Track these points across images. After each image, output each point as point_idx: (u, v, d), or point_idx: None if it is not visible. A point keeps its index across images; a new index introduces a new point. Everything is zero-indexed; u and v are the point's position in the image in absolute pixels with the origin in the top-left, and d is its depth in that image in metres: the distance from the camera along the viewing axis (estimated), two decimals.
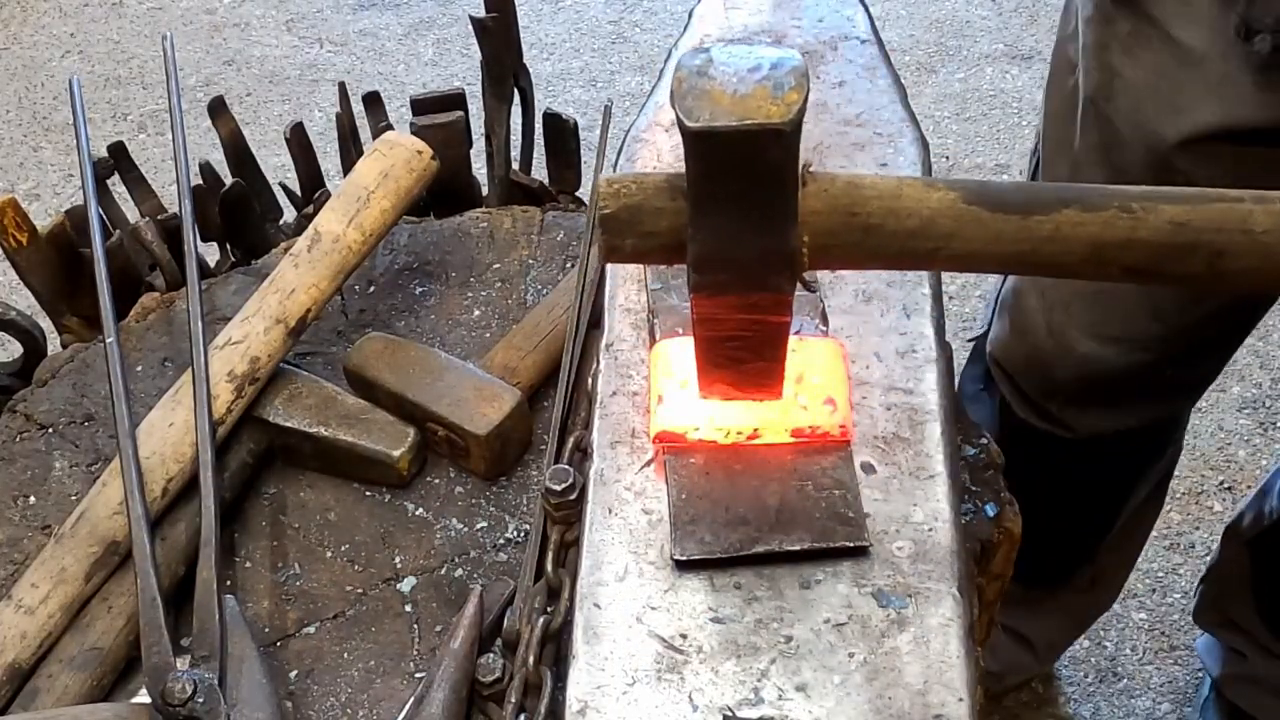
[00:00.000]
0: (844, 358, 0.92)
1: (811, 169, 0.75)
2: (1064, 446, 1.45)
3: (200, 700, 0.88)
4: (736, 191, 0.73)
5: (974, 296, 2.44)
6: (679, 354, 0.92)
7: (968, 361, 1.59)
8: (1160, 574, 2.12)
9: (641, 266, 1.02)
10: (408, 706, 0.94)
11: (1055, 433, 1.45)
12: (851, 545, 0.84)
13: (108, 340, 1.07)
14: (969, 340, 1.60)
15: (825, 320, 0.95)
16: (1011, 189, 0.76)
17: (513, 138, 1.43)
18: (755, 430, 0.89)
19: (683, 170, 0.75)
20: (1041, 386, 1.45)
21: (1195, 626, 2.00)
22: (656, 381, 0.92)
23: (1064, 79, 1.30)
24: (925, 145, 1.12)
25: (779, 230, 0.74)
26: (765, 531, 0.84)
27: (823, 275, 1.00)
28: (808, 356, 0.91)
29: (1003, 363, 1.48)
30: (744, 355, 0.83)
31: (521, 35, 1.38)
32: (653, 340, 0.96)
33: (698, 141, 0.71)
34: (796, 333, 0.94)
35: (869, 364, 0.94)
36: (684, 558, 0.84)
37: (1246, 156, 1.11)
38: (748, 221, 0.74)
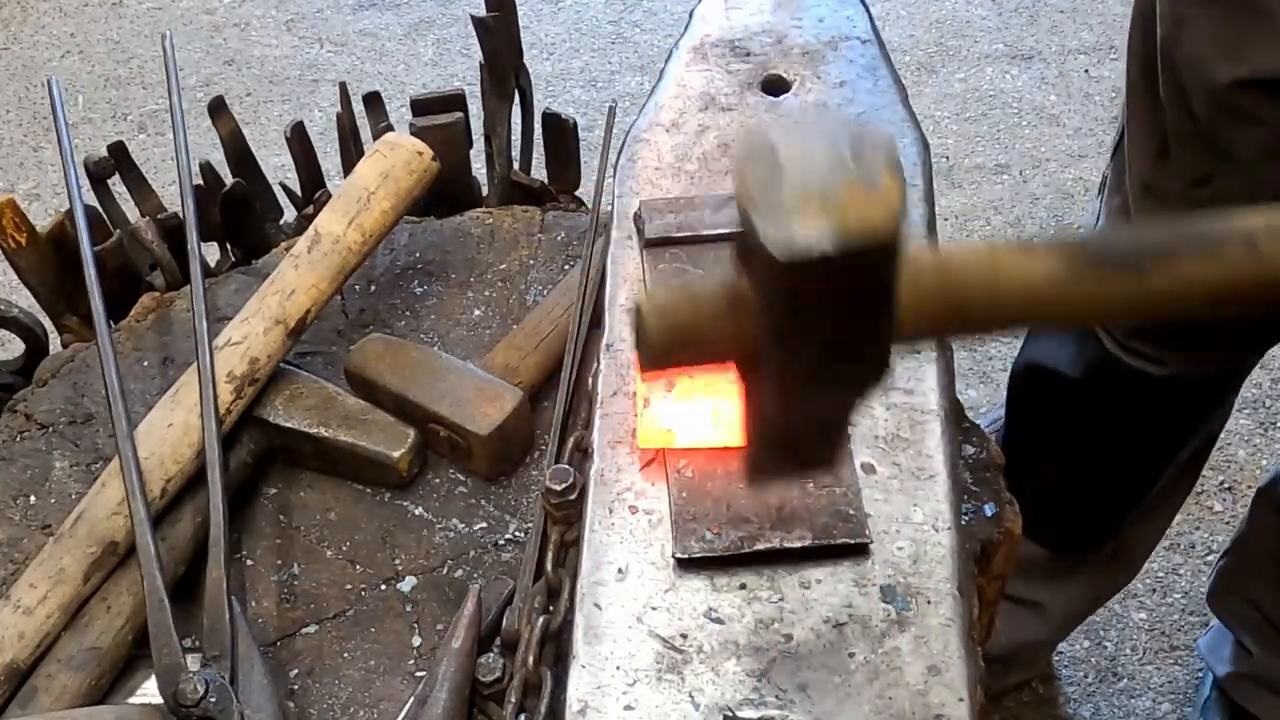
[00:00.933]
0: None
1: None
2: (1147, 383, 1.47)
3: (213, 700, 0.89)
4: (826, 311, 0.61)
5: None
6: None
7: None
8: (1160, 574, 2.12)
9: (641, 265, 1.02)
10: (409, 706, 0.94)
11: (1143, 369, 1.46)
12: (852, 542, 0.84)
13: (101, 342, 1.07)
14: None
15: None
16: (1120, 241, 0.67)
17: (513, 138, 1.43)
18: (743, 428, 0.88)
19: (736, 279, 0.64)
20: (1133, 329, 1.46)
21: (1195, 626, 2.00)
22: (642, 386, 0.92)
23: (1145, 26, 1.31)
24: (926, 145, 1.12)
25: (873, 339, 0.64)
26: (766, 529, 0.84)
27: None
28: None
29: None
30: (805, 441, 0.74)
31: (521, 35, 1.38)
32: None
33: (790, 272, 0.59)
34: None
35: None
36: (685, 556, 0.84)
37: None
38: (837, 337, 0.63)
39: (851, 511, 0.85)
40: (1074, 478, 1.33)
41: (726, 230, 1.03)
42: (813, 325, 0.62)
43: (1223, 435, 2.25)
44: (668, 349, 0.65)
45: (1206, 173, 1.26)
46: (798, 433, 0.71)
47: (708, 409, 0.90)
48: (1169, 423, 1.58)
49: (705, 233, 1.03)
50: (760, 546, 0.84)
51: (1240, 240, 0.66)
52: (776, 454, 0.74)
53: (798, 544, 0.83)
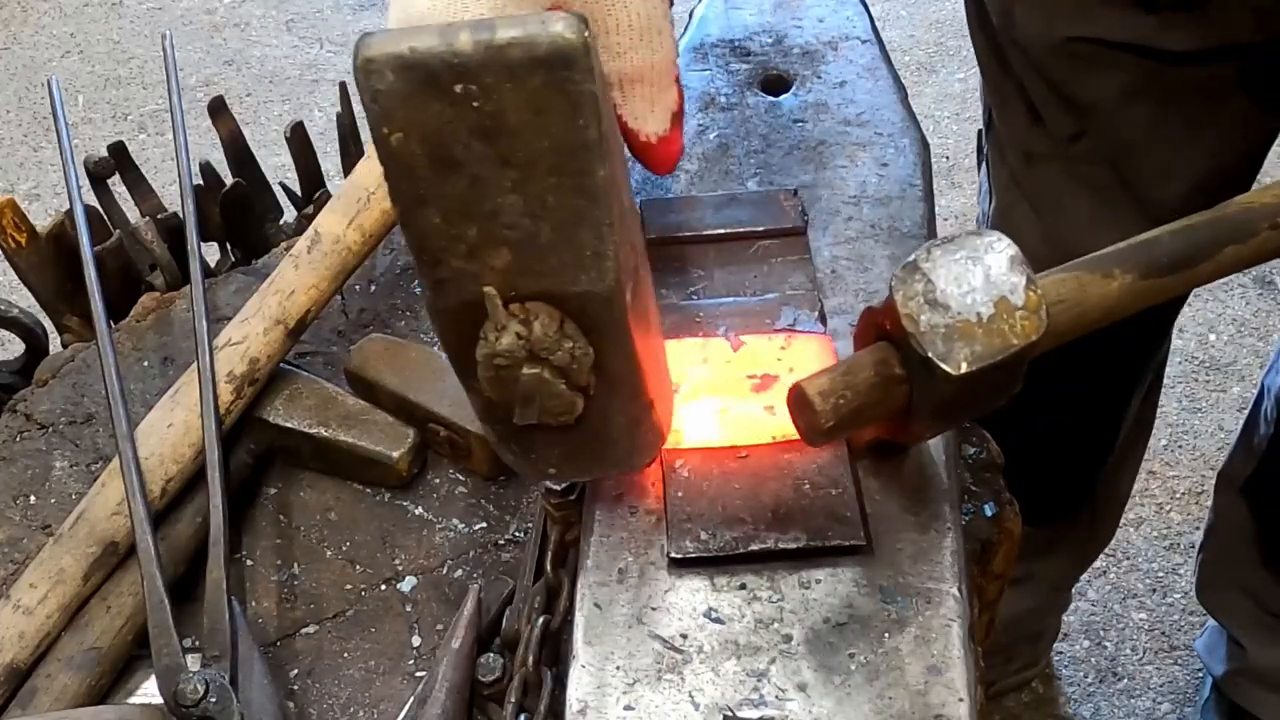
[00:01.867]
0: (834, 354, 0.92)
1: None
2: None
3: (213, 700, 0.89)
4: (976, 394, 0.74)
5: None
6: (670, 358, 0.92)
7: None
8: (1160, 574, 2.12)
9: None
10: (409, 706, 0.94)
11: None
12: (848, 544, 0.84)
13: (101, 342, 1.07)
14: None
15: (824, 319, 0.96)
16: (1175, 244, 0.79)
17: None
18: (754, 423, 0.89)
19: (883, 353, 0.76)
20: None
21: (1195, 626, 2.00)
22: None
23: (980, 14, 1.39)
24: (926, 145, 1.12)
25: (1004, 398, 0.77)
26: (762, 530, 0.84)
27: (822, 275, 1.00)
28: (799, 353, 0.92)
29: None
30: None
31: None
32: None
33: (962, 383, 0.71)
34: (791, 328, 0.94)
35: None
36: (680, 556, 0.84)
37: (1125, 63, 1.25)
38: (979, 405, 0.77)
39: (848, 513, 0.85)
40: (1038, 451, 1.36)
41: (727, 230, 1.03)
42: (964, 408, 0.76)
43: (1222, 435, 2.26)
44: (834, 427, 0.76)
45: (1079, 129, 1.33)
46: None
47: (715, 409, 0.90)
48: (1113, 373, 1.59)
49: (705, 232, 1.03)
50: (755, 547, 0.83)
51: (1266, 221, 0.78)
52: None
53: (793, 545, 0.83)
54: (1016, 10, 1.29)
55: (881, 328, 0.78)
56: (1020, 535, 1.20)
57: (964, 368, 0.69)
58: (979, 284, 0.71)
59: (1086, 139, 1.34)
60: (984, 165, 1.52)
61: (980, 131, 1.52)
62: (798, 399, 0.78)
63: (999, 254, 0.72)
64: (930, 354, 0.70)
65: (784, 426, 0.89)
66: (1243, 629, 1.79)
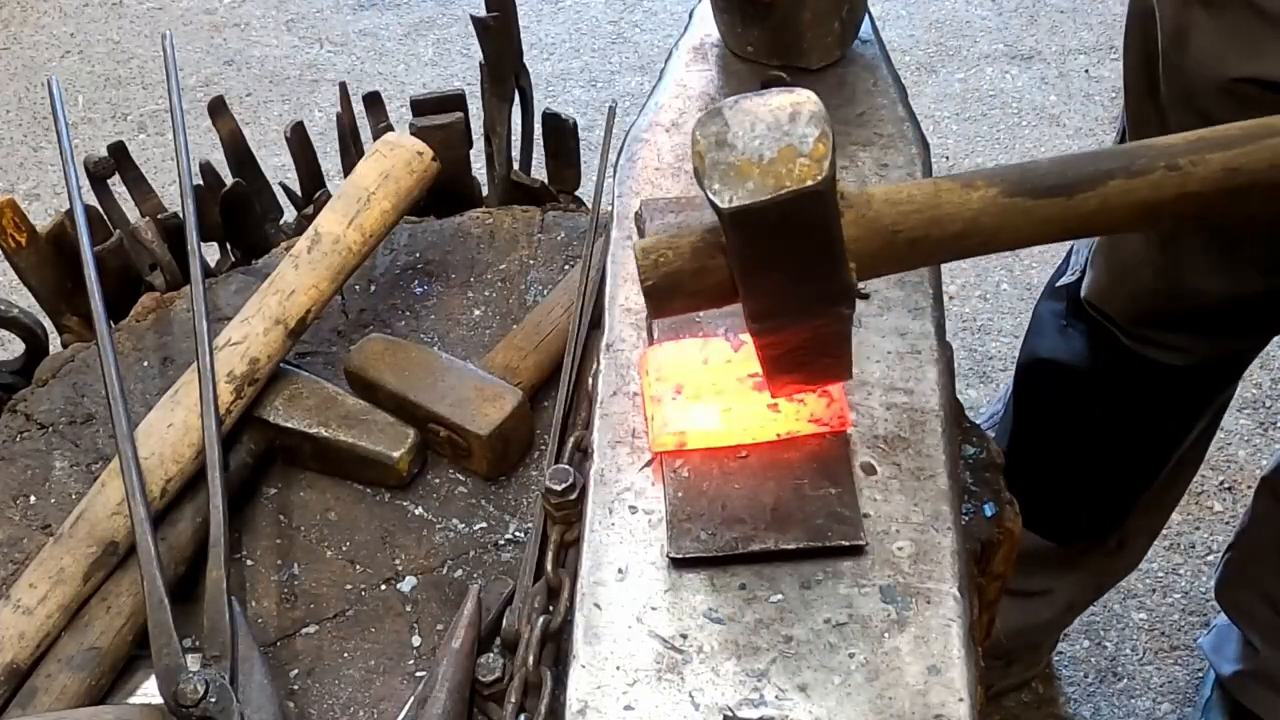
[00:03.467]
0: None
1: (844, 193, 0.74)
2: (1162, 373, 1.47)
3: (213, 700, 0.89)
4: (782, 251, 0.72)
5: (974, 296, 2.44)
6: (670, 360, 0.92)
7: (1044, 298, 1.61)
8: (1160, 574, 2.12)
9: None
10: (409, 706, 0.94)
11: (1159, 358, 1.47)
12: (847, 544, 0.84)
13: (102, 343, 1.07)
14: (1054, 287, 1.60)
15: None
16: (1049, 170, 0.75)
17: (513, 138, 1.43)
18: (755, 424, 0.89)
19: (716, 224, 0.74)
20: (1149, 322, 1.46)
21: (1195, 626, 2.00)
22: (651, 389, 0.92)
23: (1144, 29, 1.31)
24: (926, 145, 1.12)
25: (830, 272, 0.74)
26: (761, 530, 0.84)
27: None
28: None
29: (1102, 306, 1.50)
30: (810, 359, 0.84)
31: (522, 35, 1.38)
32: (651, 340, 0.96)
33: (735, 219, 0.70)
34: None
35: (869, 364, 0.94)
36: (680, 556, 0.84)
37: None
38: (796, 274, 0.73)
39: (847, 513, 0.85)
40: (1081, 470, 1.33)
41: None
42: (771, 263, 0.72)
43: (1222, 435, 2.26)
44: (665, 295, 0.75)
45: None
46: (799, 353, 0.82)
47: (716, 408, 0.90)
48: (1176, 410, 1.58)
49: None
50: (755, 547, 0.84)
51: (1162, 159, 0.73)
52: (786, 370, 0.85)
53: (792, 545, 0.83)
54: (1192, 38, 1.21)
55: None
56: (1024, 540, 1.19)
57: (732, 201, 0.68)
58: (768, 131, 0.70)
59: None
60: None
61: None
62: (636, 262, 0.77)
63: (800, 108, 0.71)
64: (706, 188, 0.70)
65: (786, 425, 0.89)
66: (1258, 631, 1.79)
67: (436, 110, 1.34)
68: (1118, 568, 1.86)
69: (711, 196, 0.69)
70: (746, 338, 0.94)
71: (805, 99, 0.72)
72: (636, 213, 1.05)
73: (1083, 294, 1.52)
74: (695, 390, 0.91)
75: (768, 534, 0.84)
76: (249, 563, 1.06)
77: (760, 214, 0.69)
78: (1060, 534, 1.37)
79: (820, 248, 0.72)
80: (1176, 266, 1.37)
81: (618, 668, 0.80)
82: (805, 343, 0.80)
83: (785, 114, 0.71)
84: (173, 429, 1.03)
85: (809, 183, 0.69)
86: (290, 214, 1.42)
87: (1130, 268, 1.43)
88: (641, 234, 1.03)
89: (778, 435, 0.89)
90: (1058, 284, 1.59)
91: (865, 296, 0.77)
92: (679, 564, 0.84)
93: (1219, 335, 1.45)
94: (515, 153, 1.44)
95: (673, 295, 0.76)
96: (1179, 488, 1.75)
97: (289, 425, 1.09)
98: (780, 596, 0.82)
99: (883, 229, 0.74)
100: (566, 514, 0.94)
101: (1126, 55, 1.36)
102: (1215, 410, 1.64)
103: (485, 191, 1.43)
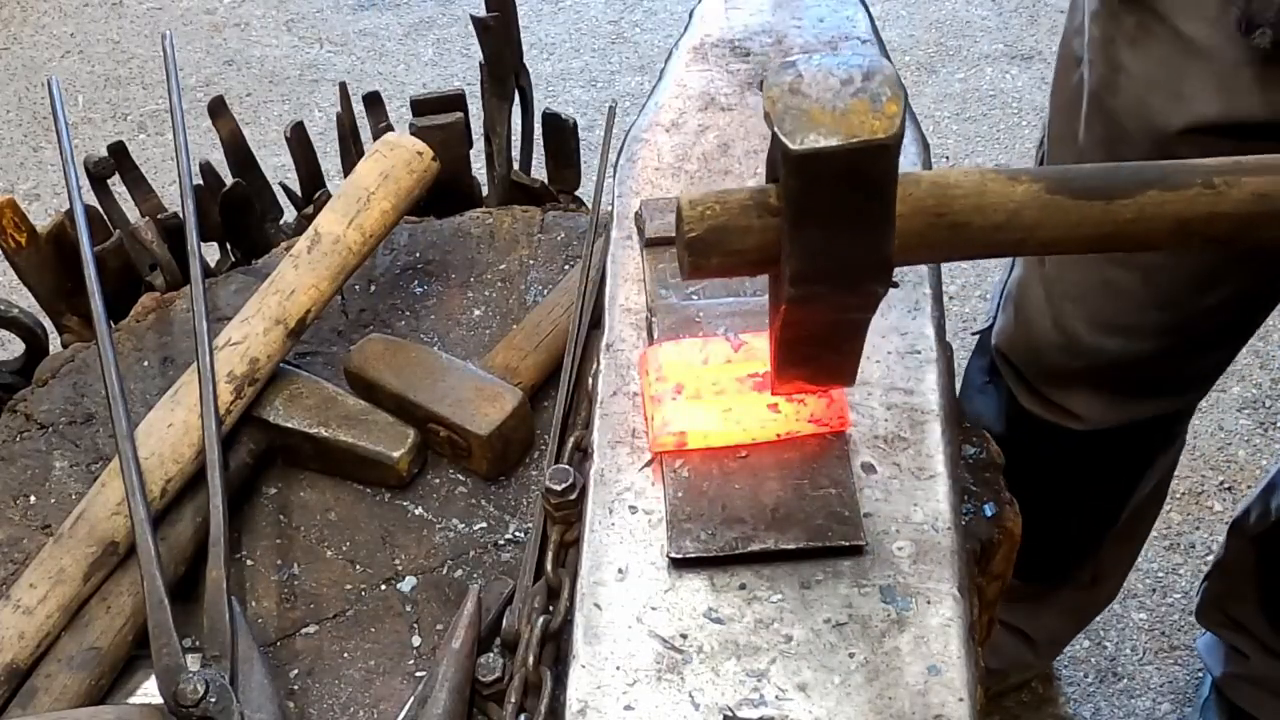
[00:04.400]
0: None
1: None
2: (1070, 438, 1.45)
3: (213, 700, 0.89)
4: (836, 206, 0.72)
5: (974, 296, 2.44)
6: (670, 359, 0.92)
7: (973, 354, 1.60)
8: (1160, 574, 2.12)
9: (641, 265, 1.02)
10: (409, 706, 0.94)
11: (1061, 424, 1.45)
12: (847, 544, 0.84)
13: (101, 343, 1.07)
14: (974, 334, 1.60)
15: None
16: (1093, 174, 0.76)
17: (513, 138, 1.43)
18: (756, 424, 0.89)
19: (764, 185, 0.74)
20: (1047, 377, 1.45)
21: (1195, 626, 2.00)
22: (651, 389, 0.92)
23: (1069, 74, 1.30)
24: (926, 145, 1.12)
25: (877, 239, 0.74)
26: (761, 530, 0.84)
27: None
28: None
29: (1008, 354, 1.49)
30: (823, 351, 0.84)
31: (521, 35, 1.38)
32: (651, 340, 0.96)
33: (803, 163, 0.70)
34: None
35: (869, 364, 0.94)
36: (680, 556, 0.84)
37: (1247, 151, 1.12)
38: (846, 234, 0.74)
39: (847, 513, 0.85)
40: (1033, 520, 1.31)
41: None
42: (825, 217, 0.72)
43: (1222, 435, 2.26)
44: (706, 245, 0.74)
45: None
46: (815, 341, 0.82)
47: (716, 408, 0.90)
48: (1112, 468, 1.56)
49: None
50: (755, 547, 0.84)
51: (1199, 177, 0.75)
52: (796, 362, 0.84)
53: (792, 545, 0.83)
54: (1121, 84, 1.20)
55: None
56: (1014, 585, 1.18)
57: (803, 143, 0.69)
58: (841, 85, 0.71)
59: None
60: None
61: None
62: (675, 217, 0.76)
63: (875, 68, 0.72)
64: (777, 129, 0.70)
65: (786, 425, 0.89)
66: (1242, 645, 1.80)
67: (436, 110, 1.34)
68: (1096, 601, 1.86)
69: (783, 138, 0.70)
70: (747, 337, 0.94)
71: (881, 63, 0.73)
72: (636, 213, 1.05)
73: (993, 339, 1.51)
74: (695, 390, 0.91)
75: (768, 534, 0.84)
76: (249, 563, 1.06)
77: (829, 159, 0.70)
78: (1025, 574, 1.35)
79: (875, 210, 0.73)
80: (1074, 319, 1.36)
81: (618, 668, 0.80)
82: (827, 328, 0.81)
83: (860, 72, 0.72)
84: (173, 429, 1.04)
85: (880, 135, 0.69)
86: (290, 214, 1.42)
87: (1032, 317, 1.42)
88: (641, 234, 1.03)
89: (778, 435, 0.89)
90: (975, 330, 1.58)
91: (896, 285, 0.77)
92: (679, 564, 0.84)
93: (1118, 397, 1.42)
94: (515, 153, 1.44)
95: (714, 250, 0.75)
96: (1148, 521, 1.74)
97: (289, 425, 1.09)
98: (780, 596, 0.82)
99: (927, 209, 0.74)
100: (566, 514, 0.94)
101: (1052, 101, 1.35)
102: (1167, 459, 1.61)
103: (485, 191, 1.44)
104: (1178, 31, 1.12)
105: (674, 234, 1.01)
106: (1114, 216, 0.75)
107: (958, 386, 1.38)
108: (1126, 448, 1.52)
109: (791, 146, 0.69)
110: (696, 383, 0.91)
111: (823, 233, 0.73)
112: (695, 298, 0.99)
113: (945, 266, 1.03)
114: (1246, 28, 1.06)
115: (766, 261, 0.76)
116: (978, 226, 0.75)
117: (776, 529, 0.84)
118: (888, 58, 1.19)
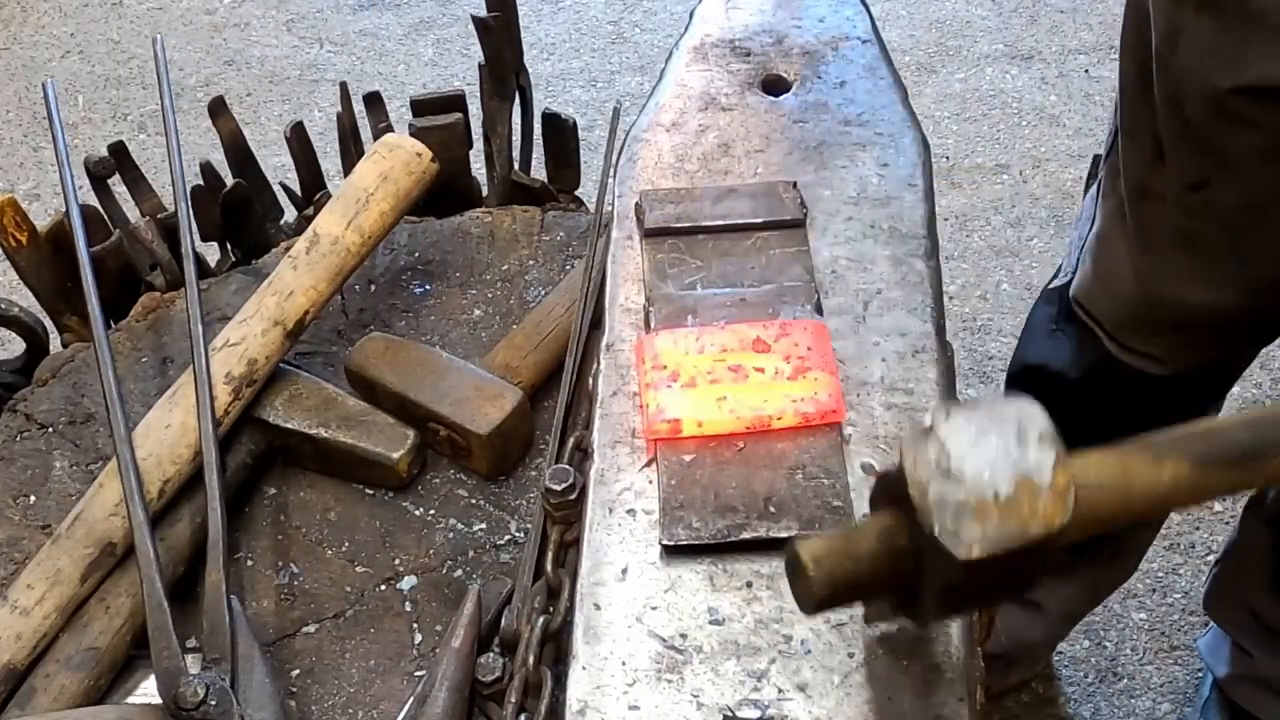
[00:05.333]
0: (828, 341, 0.93)
1: None
2: (1149, 381, 1.46)
3: (213, 703, 0.89)
4: (989, 582, 0.65)
5: (974, 296, 2.44)
6: (667, 348, 0.92)
7: (1039, 302, 1.61)
8: (1160, 574, 2.12)
9: (640, 265, 1.02)
10: (409, 706, 0.94)
11: (1144, 369, 1.46)
12: None
13: (99, 346, 1.07)
14: (1049, 288, 1.60)
15: (820, 310, 0.96)
16: (1237, 437, 0.70)
17: (513, 138, 1.43)
18: (750, 413, 0.89)
19: (887, 522, 0.68)
20: (1130, 327, 1.46)
21: (1195, 626, 2.00)
22: (647, 377, 0.92)
23: (1141, 28, 1.30)
24: (926, 145, 1.12)
25: (1028, 587, 0.68)
26: (754, 519, 0.84)
27: (822, 275, 1.00)
28: (794, 338, 0.92)
29: (1088, 305, 1.50)
30: None
31: (521, 35, 1.38)
32: (648, 328, 0.96)
33: (969, 568, 0.62)
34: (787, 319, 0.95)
35: (869, 364, 0.94)
36: (671, 543, 0.84)
37: None
38: (998, 595, 0.70)
39: (839, 503, 0.85)
40: None
41: (726, 221, 1.03)
42: (978, 593, 0.66)
43: None
44: (829, 597, 0.68)
45: (1202, 177, 1.25)
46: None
47: (711, 398, 0.90)
48: (1167, 419, 1.57)
49: (704, 224, 1.03)
50: (747, 535, 0.84)
51: None
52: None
53: (784, 534, 0.83)
54: (1182, 41, 1.19)
55: (893, 493, 0.68)
56: None
57: (975, 552, 0.61)
58: (999, 457, 0.62)
59: (1208, 190, 1.25)
60: (1093, 189, 1.48)
61: (1098, 156, 1.46)
62: (791, 562, 0.69)
63: (1027, 424, 0.63)
64: (937, 531, 0.61)
65: (780, 415, 0.89)
66: (1248, 641, 1.79)
67: (436, 110, 1.34)
68: (1113, 577, 1.86)
69: (945, 543, 0.61)
70: (744, 327, 0.94)
71: (1032, 411, 0.64)
72: (636, 204, 1.05)
73: (1071, 292, 1.52)
74: (690, 378, 0.91)
75: (760, 522, 0.84)
76: (249, 563, 1.06)
77: (1003, 559, 0.62)
78: None
79: (1032, 574, 0.66)
80: (1157, 273, 1.37)
81: (618, 667, 0.80)
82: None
83: (1012, 433, 0.63)
84: (170, 430, 1.03)
85: (1057, 521, 0.61)
86: (290, 214, 1.42)
87: (1113, 271, 1.43)
88: (641, 224, 1.03)
89: (772, 425, 0.89)
90: (1051, 285, 1.59)
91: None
92: (671, 551, 0.84)
93: (1197, 346, 1.44)
94: (515, 153, 1.44)
95: (842, 600, 0.70)
96: None
97: (289, 426, 1.09)
98: (780, 596, 0.82)
99: (1076, 520, 0.66)
100: (566, 514, 0.94)
101: (1123, 56, 1.36)
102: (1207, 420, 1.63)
103: (485, 191, 1.43)
104: (1245, 3, 1.13)
105: (673, 225, 1.01)
106: (1254, 476, 0.70)
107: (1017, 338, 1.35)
108: (1202, 387, 1.53)
109: (957, 555, 0.61)
110: (692, 371, 0.92)
111: (971, 602, 0.68)
112: (694, 288, 0.99)
113: (945, 267, 1.03)
114: None
115: (903, 598, 0.70)
116: (1121, 520, 0.69)
117: (769, 518, 0.84)
118: (888, 58, 1.19)
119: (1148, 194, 1.34)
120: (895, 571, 0.66)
